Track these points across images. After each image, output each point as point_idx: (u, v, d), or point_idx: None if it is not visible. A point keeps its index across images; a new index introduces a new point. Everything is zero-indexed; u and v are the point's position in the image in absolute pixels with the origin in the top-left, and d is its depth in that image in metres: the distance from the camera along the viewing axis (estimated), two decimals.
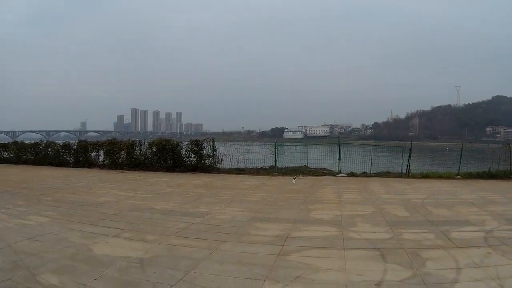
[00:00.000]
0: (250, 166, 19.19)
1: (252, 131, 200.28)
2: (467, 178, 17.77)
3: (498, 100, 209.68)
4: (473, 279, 4.96)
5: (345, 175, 17.68)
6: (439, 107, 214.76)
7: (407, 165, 18.30)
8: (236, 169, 19.01)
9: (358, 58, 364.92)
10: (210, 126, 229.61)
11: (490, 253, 6.12)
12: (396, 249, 6.11)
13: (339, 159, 18.65)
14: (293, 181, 15.04)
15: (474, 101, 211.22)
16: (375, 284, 4.76)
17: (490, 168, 18.59)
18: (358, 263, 5.44)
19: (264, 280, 4.92)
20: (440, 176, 17.90)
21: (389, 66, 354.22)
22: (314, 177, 16.87)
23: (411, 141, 20.45)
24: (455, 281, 4.92)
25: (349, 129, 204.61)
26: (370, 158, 18.81)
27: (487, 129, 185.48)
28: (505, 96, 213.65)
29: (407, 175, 17.99)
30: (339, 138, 23.78)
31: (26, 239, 6.98)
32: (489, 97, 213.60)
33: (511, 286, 4.81)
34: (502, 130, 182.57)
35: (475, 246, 6.52)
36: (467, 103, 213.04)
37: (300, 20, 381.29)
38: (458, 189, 14.27)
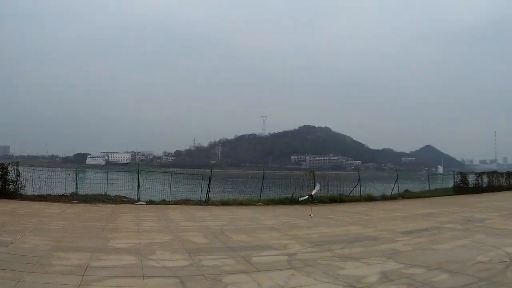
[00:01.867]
0: (51, 192, 20.72)
1: (56, 156, 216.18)
2: (268, 204, 20.52)
3: (305, 130, 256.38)
4: None
5: (144, 203, 19.44)
6: (243, 136, 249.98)
7: (207, 193, 20.45)
8: (38, 195, 20.19)
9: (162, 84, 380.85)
10: (17, 149, 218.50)
11: (294, 274, 6.83)
12: (196, 276, 6.75)
13: (138, 186, 20.52)
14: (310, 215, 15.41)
15: (281, 130, 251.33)
16: None
17: (293, 194, 21.79)
18: None
19: None
20: (241, 203, 20.22)
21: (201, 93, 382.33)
22: (114, 205, 18.40)
23: (211, 169, 23.11)
24: None
25: (151, 157, 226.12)
26: (170, 185, 21.11)
27: (292, 157, 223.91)
28: (313, 126, 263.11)
29: (207, 202, 20.02)
30: (138, 165, 24.83)
31: None
32: (296, 127, 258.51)
33: None
34: (307, 158, 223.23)
35: (278, 269, 7.21)
36: (272, 132, 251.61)
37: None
38: (259, 215, 16.34)
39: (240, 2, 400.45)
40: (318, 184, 20.24)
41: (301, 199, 18.77)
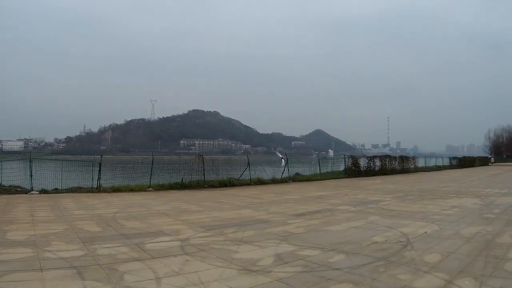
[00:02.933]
0: None
1: None
2: (159, 189, 20.64)
3: (194, 114, 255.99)
4: (175, 287, 5.62)
5: (37, 193, 18.89)
6: (133, 120, 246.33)
7: (98, 180, 20.15)
8: None
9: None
10: None
11: (188, 260, 7.00)
12: (92, 266, 6.71)
13: (31, 175, 19.90)
14: None
15: (170, 115, 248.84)
16: None
17: (182, 179, 22.17)
18: (58, 284, 5.82)
19: None
20: (132, 189, 20.14)
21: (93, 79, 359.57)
22: (9, 196, 17.82)
23: (101, 155, 22.65)
24: None
25: (43, 144, 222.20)
26: (61, 173, 20.62)
27: (181, 141, 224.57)
28: (202, 110, 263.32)
29: (98, 189, 19.74)
30: (31, 153, 23.24)
31: None
32: (185, 111, 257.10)
33: None
34: (196, 142, 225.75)
35: (172, 255, 7.33)
36: (162, 116, 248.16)
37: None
38: (150, 200, 16.34)
39: None
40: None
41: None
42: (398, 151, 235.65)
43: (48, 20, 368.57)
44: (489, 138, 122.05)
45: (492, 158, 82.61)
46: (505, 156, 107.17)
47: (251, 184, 24.19)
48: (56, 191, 19.46)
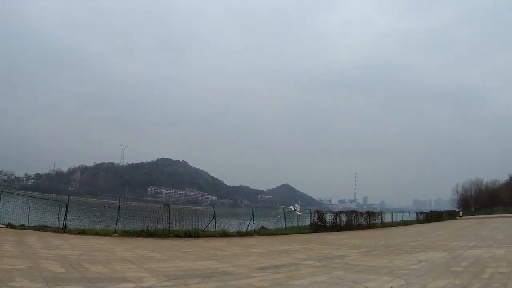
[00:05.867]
0: None
1: None
2: (124, 235, 20.45)
3: (163, 162, 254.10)
4: None
5: (3, 226, 18.84)
6: (102, 164, 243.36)
7: (64, 220, 20.07)
8: None
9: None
10: None
11: None
12: None
13: None
14: None
15: (139, 161, 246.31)
16: None
17: (148, 226, 22.08)
18: None
19: None
20: (97, 233, 19.98)
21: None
22: None
23: (69, 196, 22.73)
24: None
25: (12, 177, 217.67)
26: (28, 209, 20.58)
27: (149, 189, 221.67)
28: (171, 159, 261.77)
29: (64, 230, 19.64)
30: (0, 185, 22.79)
31: None
32: (154, 159, 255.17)
33: None
34: (164, 190, 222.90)
35: None
36: (131, 162, 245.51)
37: None
38: (115, 246, 16.19)
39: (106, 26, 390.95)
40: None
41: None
42: (365, 206, 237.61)
43: (22, 52, 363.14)
44: (457, 192, 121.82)
45: (461, 212, 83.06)
46: (473, 209, 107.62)
47: (216, 236, 24.03)
48: (22, 227, 19.35)
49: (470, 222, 53.21)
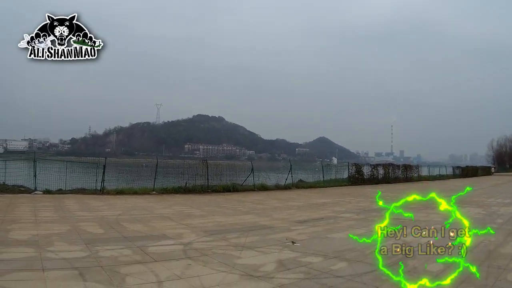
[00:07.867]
0: None
1: None
2: (163, 193, 20.57)
3: (199, 119, 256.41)
4: None
5: (41, 193, 18.95)
6: (137, 124, 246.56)
7: (102, 182, 20.23)
8: None
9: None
10: None
11: (190, 264, 6.88)
12: (94, 267, 6.60)
13: (35, 175, 19.87)
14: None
15: (175, 119, 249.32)
16: None
17: (186, 183, 22.09)
18: (59, 284, 5.77)
19: None
20: (135, 192, 20.05)
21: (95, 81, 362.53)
22: (12, 195, 17.82)
23: (105, 157, 22.94)
24: None
25: (47, 144, 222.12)
26: (65, 174, 20.75)
27: (186, 146, 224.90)
28: (207, 115, 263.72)
29: (102, 191, 19.78)
30: (35, 153, 23.73)
31: None
32: (190, 116, 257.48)
33: None
34: (201, 147, 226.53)
35: (174, 259, 7.22)
36: (166, 120, 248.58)
37: None
38: (154, 204, 16.26)
39: None
40: None
41: None
42: (402, 159, 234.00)
43: None
44: (492, 148, 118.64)
45: (493, 168, 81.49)
46: (508, 166, 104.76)
47: (255, 190, 23.99)
48: (59, 191, 19.52)
49: (505, 179, 51.65)
